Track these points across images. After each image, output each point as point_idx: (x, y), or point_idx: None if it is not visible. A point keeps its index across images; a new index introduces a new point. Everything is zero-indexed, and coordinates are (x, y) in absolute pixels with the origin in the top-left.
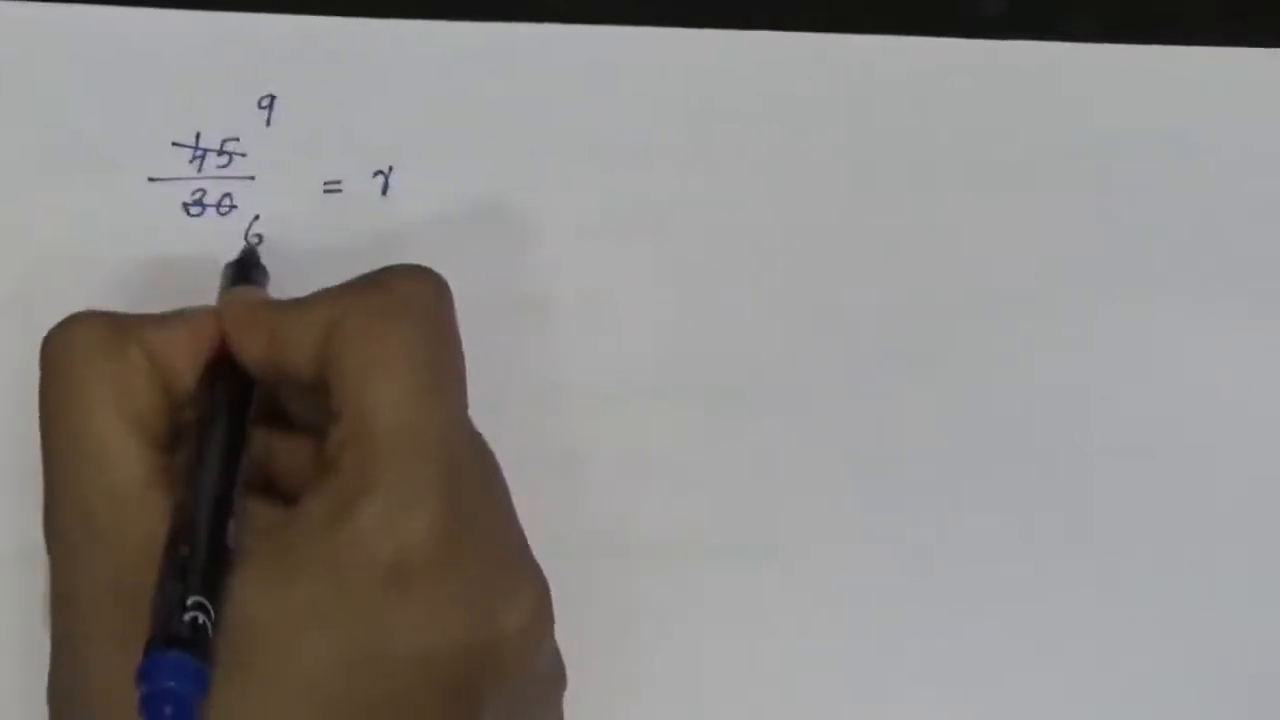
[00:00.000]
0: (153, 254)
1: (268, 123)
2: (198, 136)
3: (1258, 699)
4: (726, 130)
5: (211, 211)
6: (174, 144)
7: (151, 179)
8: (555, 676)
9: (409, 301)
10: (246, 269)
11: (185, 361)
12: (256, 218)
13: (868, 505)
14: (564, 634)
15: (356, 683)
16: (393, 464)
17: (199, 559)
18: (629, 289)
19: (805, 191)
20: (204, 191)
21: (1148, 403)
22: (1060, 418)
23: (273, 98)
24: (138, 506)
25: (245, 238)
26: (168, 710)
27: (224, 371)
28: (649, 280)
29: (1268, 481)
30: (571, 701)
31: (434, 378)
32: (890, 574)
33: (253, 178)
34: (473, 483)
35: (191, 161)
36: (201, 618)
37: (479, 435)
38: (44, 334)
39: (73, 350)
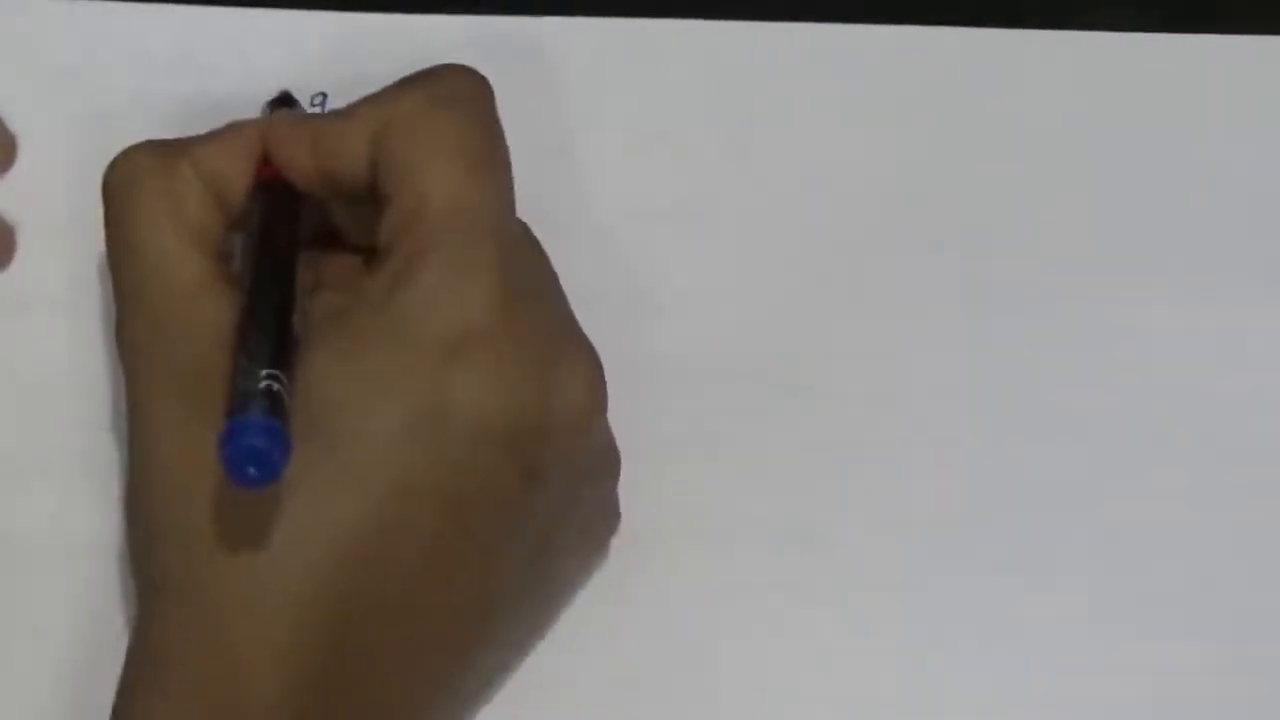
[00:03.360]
0: None
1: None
2: None
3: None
4: (769, 121)
5: None
6: None
7: None
8: (609, 454)
9: (456, 92)
10: (283, 106)
11: (234, 171)
12: None
13: (905, 495)
14: (605, 615)
15: (421, 451)
16: (448, 239)
17: (269, 338)
18: (671, 279)
19: (845, 183)
20: None
21: (1197, 395)
22: (1108, 411)
23: (324, 95)
24: (198, 303)
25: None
26: (251, 470)
27: (273, 187)
28: (691, 270)
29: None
30: (614, 678)
31: (483, 159)
32: (926, 566)
33: None
34: (525, 259)
35: None
36: (276, 386)
37: (526, 225)
38: (100, 330)
39: (127, 174)
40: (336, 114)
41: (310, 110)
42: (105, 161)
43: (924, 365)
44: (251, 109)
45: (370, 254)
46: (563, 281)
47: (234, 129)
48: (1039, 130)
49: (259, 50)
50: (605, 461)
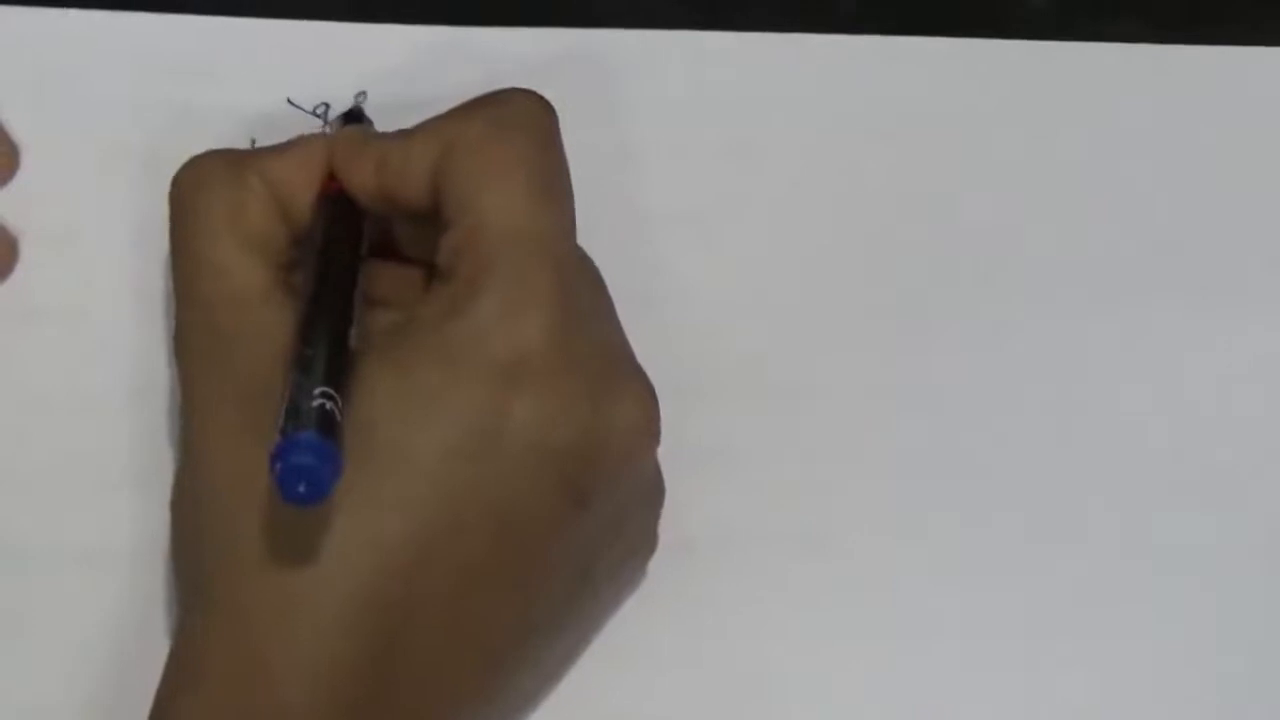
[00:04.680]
0: None
1: (323, 129)
2: (253, 143)
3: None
4: (772, 130)
5: None
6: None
7: None
8: (656, 485)
9: (519, 116)
10: (354, 120)
11: (300, 184)
12: None
13: (912, 499)
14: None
15: (471, 472)
16: (507, 264)
17: (324, 355)
18: (673, 286)
19: (848, 191)
20: None
21: (1196, 399)
22: (1111, 415)
23: (327, 105)
24: (258, 313)
25: (354, 97)
26: (301, 487)
27: (337, 202)
28: (693, 277)
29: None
30: (610, 688)
31: (546, 185)
32: (931, 570)
33: None
34: (583, 287)
35: None
36: (330, 405)
37: (584, 251)
38: (104, 341)
39: (193, 181)
40: (402, 134)
41: (314, 117)
42: (106, 171)
43: (928, 370)
44: (257, 117)
45: (429, 269)
46: None
47: (301, 143)
48: (1041, 139)
49: (263, 59)
50: (652, 490)
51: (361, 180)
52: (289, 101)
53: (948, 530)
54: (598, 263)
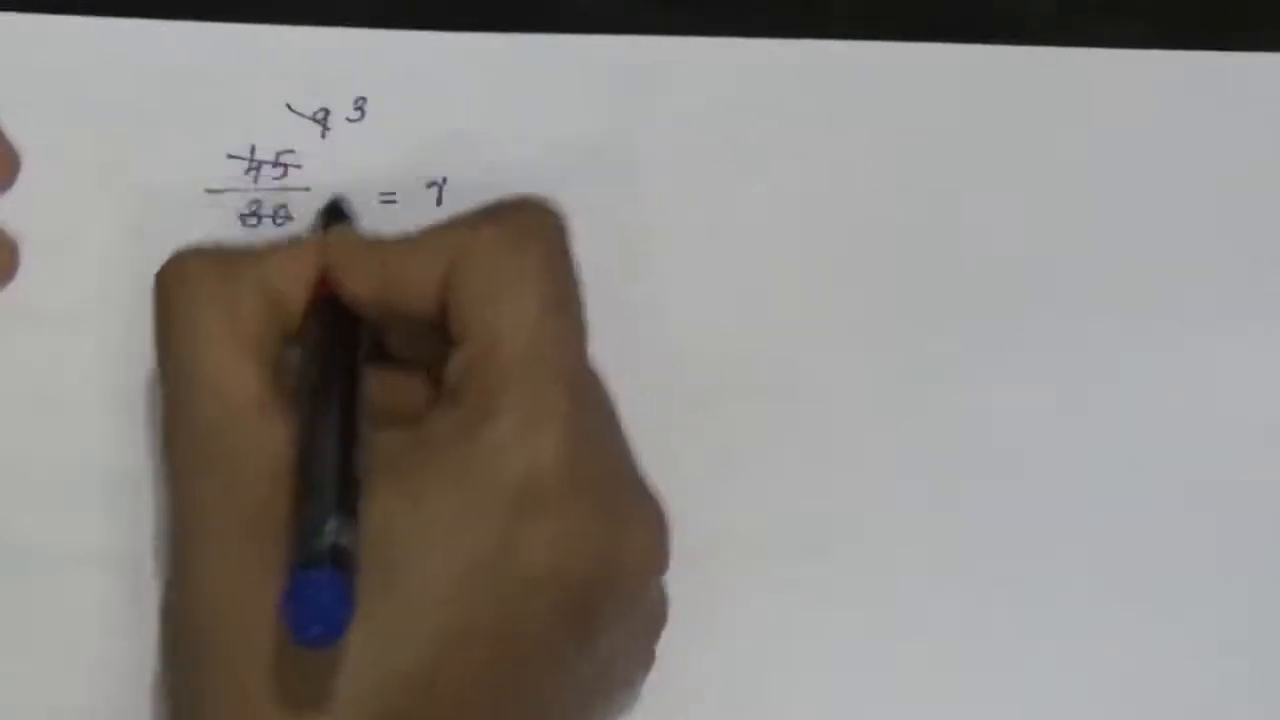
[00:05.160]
0: None
1: (322, 135)
2: (253, 149)
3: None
4: (771, 135)
5: (268, 222)
6: (229, 156)
7: (208, 190)
8: (660, 609)
9: (532, 230)
10: (338, 215)
11: (294, 286)
12: None
13: (912, 499)
14: None
15: (482, 596)
16: (521, 386)
17: (333, 481)
18: (680, 286)
19: (848, 196)
20: (260, 203)
21: (1196, 407)
22: (1113, 422)
23: (327, 111)
24: (254, 427)
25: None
26: (316, 629)
27: (332, 307)
28: (694, 283)
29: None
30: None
31: (559, 303)
32: (931, 570)
33: (308, 189)
34: (596, 407)
35: (247, 173)
36: (343, 540)
37: (593, 369)
38: (104, 346)
39: (183, 280)
40: (404, 241)
41: (314, 123)
42: (107, 176)
43: (927, 371)
44: (259, 124)
45: (425, 372)
46: None
47: (293, 244)
48: (1041, 146)
49: (262, 65)
50: (657, 617)
51: (361, 286)
52: (288, 107)
53: (948, 530)
54: (597, 266)
